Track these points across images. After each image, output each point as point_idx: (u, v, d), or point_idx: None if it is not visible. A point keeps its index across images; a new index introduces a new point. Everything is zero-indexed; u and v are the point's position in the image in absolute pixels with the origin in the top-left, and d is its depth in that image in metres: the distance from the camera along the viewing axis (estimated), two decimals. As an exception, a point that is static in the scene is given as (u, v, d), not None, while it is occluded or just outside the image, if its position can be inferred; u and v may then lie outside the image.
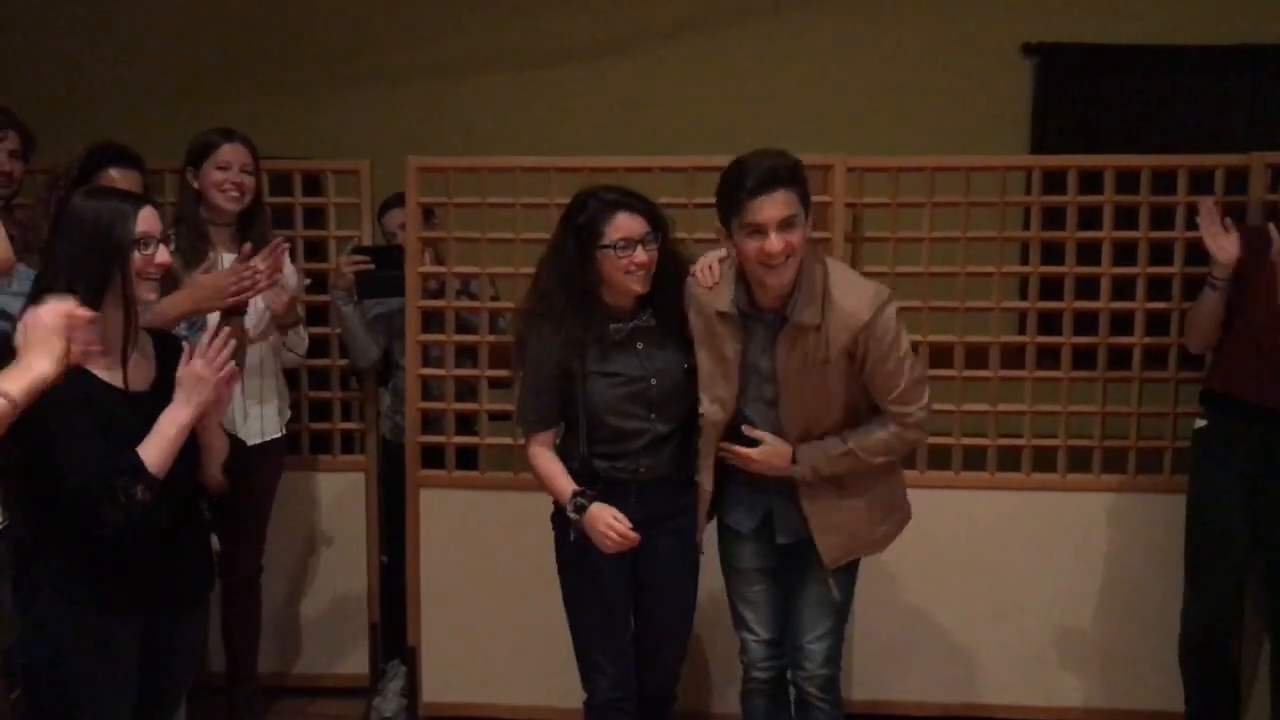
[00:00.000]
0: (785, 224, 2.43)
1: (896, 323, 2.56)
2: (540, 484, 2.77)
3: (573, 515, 2.64)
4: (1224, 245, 3.05)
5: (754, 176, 2.44)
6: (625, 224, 2.61)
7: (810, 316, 2.53)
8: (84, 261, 2.20)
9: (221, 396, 2.30)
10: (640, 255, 2.61)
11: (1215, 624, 3.24)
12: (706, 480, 2.75)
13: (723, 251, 2.65)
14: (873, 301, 2.54)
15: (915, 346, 3.45)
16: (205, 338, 2.27)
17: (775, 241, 2.43)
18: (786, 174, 2.45)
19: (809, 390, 2.60)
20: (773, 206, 2.42)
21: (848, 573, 2.80)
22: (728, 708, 3.44)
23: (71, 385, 2.15)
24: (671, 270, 2.71)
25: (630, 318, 2.70)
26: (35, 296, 2.18)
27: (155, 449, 2.20)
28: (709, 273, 2.67)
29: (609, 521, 2.58)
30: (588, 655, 2.83)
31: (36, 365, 1.87)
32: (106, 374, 2.25)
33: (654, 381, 2.70)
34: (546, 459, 2.74)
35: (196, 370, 2.24)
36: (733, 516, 2.81)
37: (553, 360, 2.67)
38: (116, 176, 2.88)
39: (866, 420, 2.65)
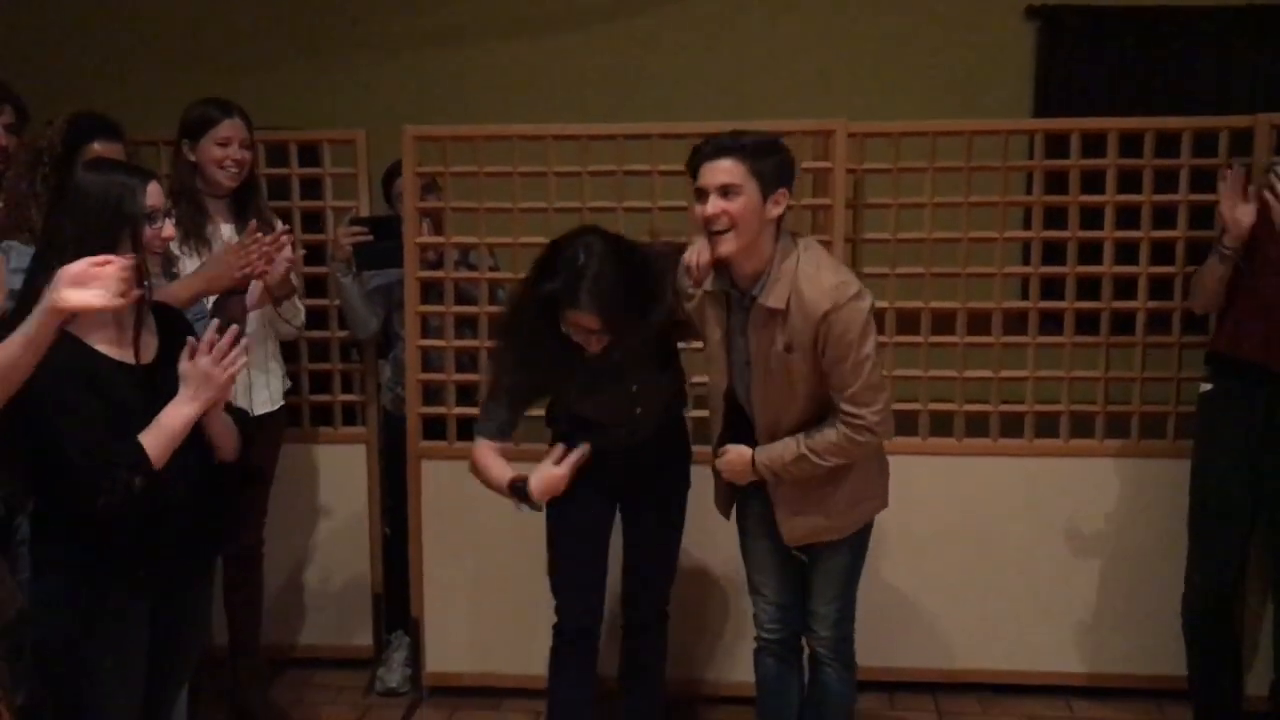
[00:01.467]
0: (724, 190, 2.47)
1: (863, 322, 2.53)
2: (477, 474, 2.82)
3: (519, 502, 2.72)
4: (1240, 216, 3.00)
5: (707, 146, 2.51)
6: (578, 319, 2.61)
7: (775, 300, 2.54)
8: (93, 236, 2.18)
9: (226, 391, 2.29)
10: (593, 342, 2.65)
11: (1219, 587, 3.22)
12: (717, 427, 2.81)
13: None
14: (833, 294, 2.51)
15: (917, 312, 3.47)
16: (209, 333, 2.25)
17: (712, 205, 2.47)
18: (736, 146, 2.48)
19: (776, 375, 2.61)
20: (714, 173, 2.48)
21: (859, 537, 2.82)
22: (741, 675, 3.45)
23: (78, 362, 2.15)
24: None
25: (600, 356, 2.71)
26: (37, 272, 2.17)
27: (158, 442, 2.19)
28: (696, 269, 2.67)
29: (549, 485, 2.66)
30: (557, 586, 2.99)
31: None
32: (112, 349, 2.23)
33: (635, 388, 2.81)
34: (488, 458, 2.79)
35: (204, 368, 2.23)
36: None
37: (526, 384, 2.78)
38: (100, 149, 2.81)
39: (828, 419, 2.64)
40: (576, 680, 3.04)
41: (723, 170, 2.47)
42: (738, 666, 3.46)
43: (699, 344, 2.87)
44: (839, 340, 2.51)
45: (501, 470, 2.75)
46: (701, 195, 2.51)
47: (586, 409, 2.83)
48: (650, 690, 3.19)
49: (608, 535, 3.02)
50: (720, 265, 2.61)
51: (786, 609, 2.90)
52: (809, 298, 2.52)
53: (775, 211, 2.53)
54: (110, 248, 2.18)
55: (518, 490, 2.70)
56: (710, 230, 2.51)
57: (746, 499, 2.86)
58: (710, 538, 3.25)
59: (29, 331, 1.93)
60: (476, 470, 2.82)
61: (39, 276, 2.13)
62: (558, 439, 2.84)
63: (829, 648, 2.87)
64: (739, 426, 2.76)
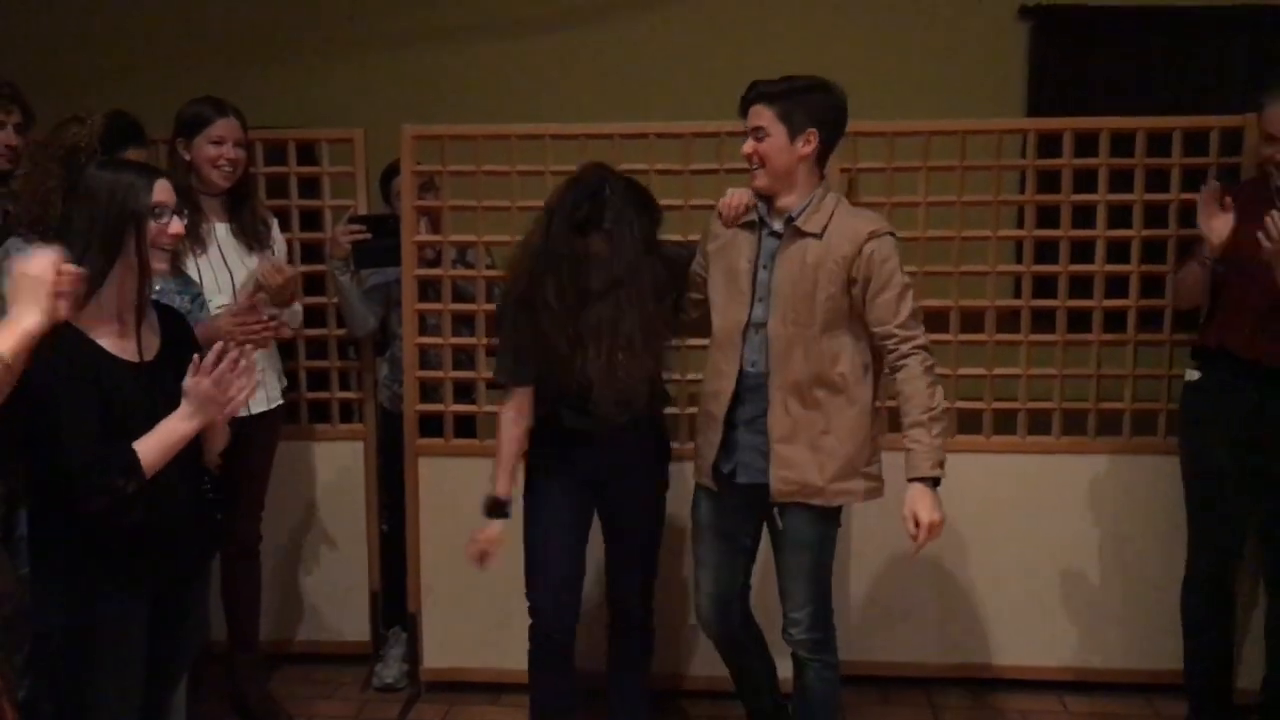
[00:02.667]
0: (755, 132, 2.75)
1: (897, 255, 2.73)
2: (496, 442, 2.97)
3: (484, 511, 2.95)
4: (1216, 227, 3.05)
5: (750, 92, 2.79)
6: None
7: (813, 225, 2.74)
8: (98, 230, 2.20)
9: (232, 407, 2.31)
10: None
11: (1219, 574, 3.27)
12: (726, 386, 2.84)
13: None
14: (874, 223, 2.75)
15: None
16: (211, 357, 2.26)
17: (746, 146, 2.77)
18: (766, 94, 2.75)
19: (798, 300, 2.73)
20: (750, 118, 2.77)
21: (827, 527, 2.86)
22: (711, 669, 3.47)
23: (81, 357, 2.16)
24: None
25: None
26: None
27: (153, 453, 2.20)
28: (730, 207, 2.87)
29: (488, 544, 2.94)
30: (531, 587, 3.03)
31: (24, 319, 1.87)
32: (114, 345, 2.25)
33: (620, 356, 2.83)
34: (513, 429, 2.93)
35: (207, 390, 2.23)
36: (705, 466, 2.90)
37: (531, 328, 2.84)
38: (135, 157, 2.84)
39: (864, 370, 2.77)
40: (555, 679, 3.08)
41: (754, 114, 2.75)
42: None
43: (696, 340, 2.98)
44: (881, 267, 2.69)
45: (505, 476, 2.94)
46: (746, 136, 2.78)
47: (575, 373, 2.83)
48: (636, 687, 3.21)
49: (584, 536, 3.04)
50: (761, 202, 2.82)
51: (725, 601, 3.01)
52: (854, 225, 2.73)
53: (805, 150, 2.73)
54: (116, 244, 2.20)
55: (490, 509, 2.94)
56: (750, 168, 2.78)
57: (698, 498, 2.97)
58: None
59: (7, 360, 1.88)
60: (499, 430, 2.95)
61: None
62: (540, 426, 2.93)
63: (809, 649, 2.91)
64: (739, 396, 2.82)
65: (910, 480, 2.69)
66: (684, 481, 3.09)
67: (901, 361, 2.71)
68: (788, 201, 2.76)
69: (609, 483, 2.99)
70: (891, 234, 2.74)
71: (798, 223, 2.74)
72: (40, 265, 1.89)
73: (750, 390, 2.79)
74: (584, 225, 2.79)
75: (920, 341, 2.72)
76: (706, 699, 3.60)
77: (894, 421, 3.55)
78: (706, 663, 3.57)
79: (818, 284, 2.71)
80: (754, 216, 2.82)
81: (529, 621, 3.06)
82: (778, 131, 2.72)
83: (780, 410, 2.75)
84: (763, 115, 2.73)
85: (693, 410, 3.31)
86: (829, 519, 2.85)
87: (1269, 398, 3.09)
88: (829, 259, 2.70)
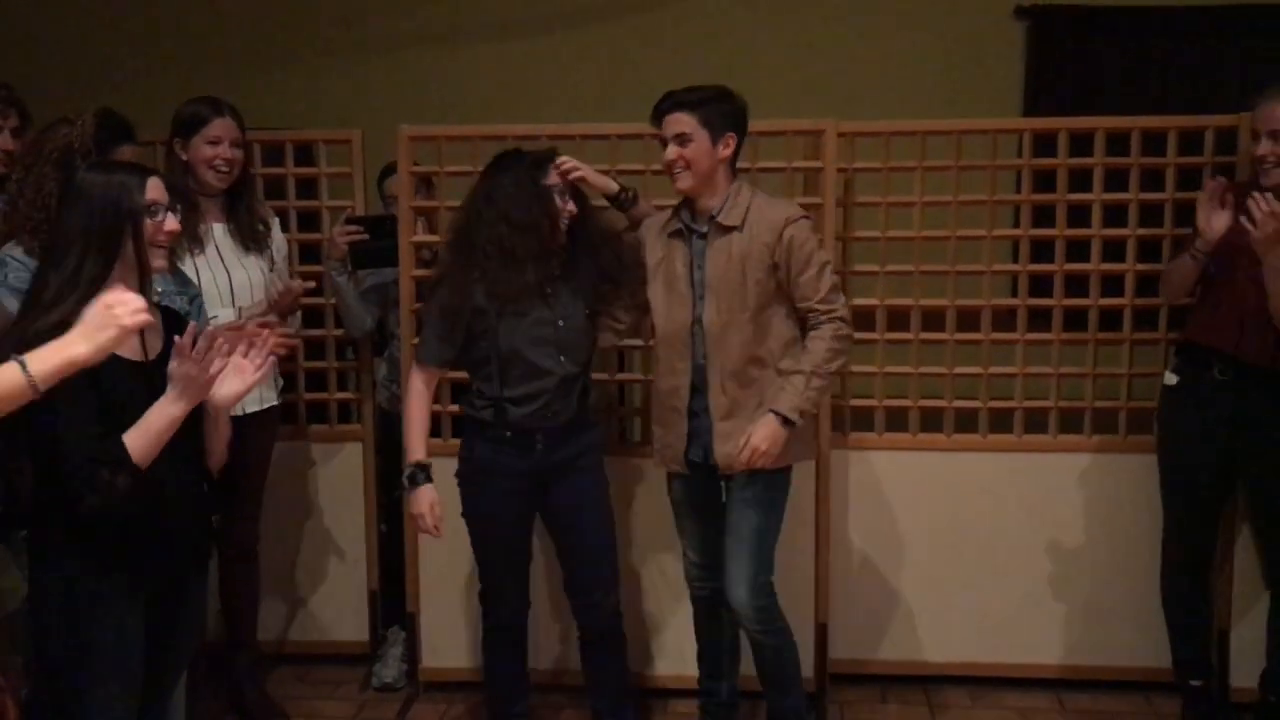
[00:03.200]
0: (678, 139, 2.89)
1: (813, 236, 2.96)
2: (405, 413, 3.04)
3: (405, 483, 3.02)
4: (1213, 223, 3.09)
5: (665, 102, 2.94)
6: (553, 175, 2.96)
7: (733, 219, 2.93)
8: (95, 231, 2.21)
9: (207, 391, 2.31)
10: (569, 204, 2.96)
11: (1195, 565, 3.34)
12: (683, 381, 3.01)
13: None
14: (786, 211, 2.94)
15: (907, 310, 3.51)
16: (187, 335, 2.27)
17: (670, 151, 2.91)
18: (687, 101, 2.90)
19: (730, 290, 2.92)
20: (670, 125, 2.91)
21: (773, 493, 3.00)
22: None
23: None
24: (584, 233, 3.01)
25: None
26: (44, 271, 2.20)
27: (142, 440, 2.19)
28: None
29: (426, 508, 3.00)
30: (489, 585, 3.13)
31: (75, 348, 1.87)
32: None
33: (561, 323, 2.96)
34: (422, 401, 3.05)
35: (188, 370, 2.24)
36: (688, 451, 3.05)
37: (469, 298, 2.91)
38: (128, 155, 2.84)
39: (789, 343, 2.95)
40: (510, 663, 3.19)
41: (675, 122, 2.90)
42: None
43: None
44: (799, 250, 2.89)
45: (418, 442, 3.03)
46: (663, 143, 2.93)
47: (515, 341, 2.92)
48: (617, 688, 3.22)
49: (528, 534, 3.10)
50: (683, 205, 3.01)
51: (707, 569, 3.16)
52: (768, 215, 2.92)
53: (725, 152, 2.92)
54: (114, 245, 2.21)
55: (413, 475, 3.00)
56: (671, 172, 2.93)
57: (672, 481, 3.15)
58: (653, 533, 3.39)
59: (37, 383, 1.88)
60: (407, 405, 3.07)
61: (49, 275, 2.16)
62: (474, 416, 3.01)
63: (752, 619, 3.02)
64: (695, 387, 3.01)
65: (768, 409, 2.88)
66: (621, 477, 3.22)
67: (816, 329, 2.91)
68: (710, 203, 2.95)
69: (549, 484, 3.04)
70: (806, 217, 2.96)
71: (719, 219, 2.93)
72: (128, 306, 1.91)
73: (703, 380, 2.99)
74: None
75: (840, 314, 2.92)
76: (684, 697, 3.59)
77: (891, 422, 3.59)
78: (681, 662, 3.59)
79: (745, 272, 2.91)
80: (679, 225, 3.00)
81: (533, 617, 3.17)
82: (701, 137, 2.89)
83: (719, 392, 2.95)
84: (684, 122, 2.89)
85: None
86: (772, 486, 2.99)
87: (1248, 397, 3.14)
88: (753, 247, 2.90)
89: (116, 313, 1.89)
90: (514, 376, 2.94)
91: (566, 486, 3.04)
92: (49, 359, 1.86)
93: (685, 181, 2.92)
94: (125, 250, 2.24)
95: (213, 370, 2.25)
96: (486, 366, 2.97)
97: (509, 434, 2.97)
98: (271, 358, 2.41)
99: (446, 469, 3.54)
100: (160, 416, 2.23)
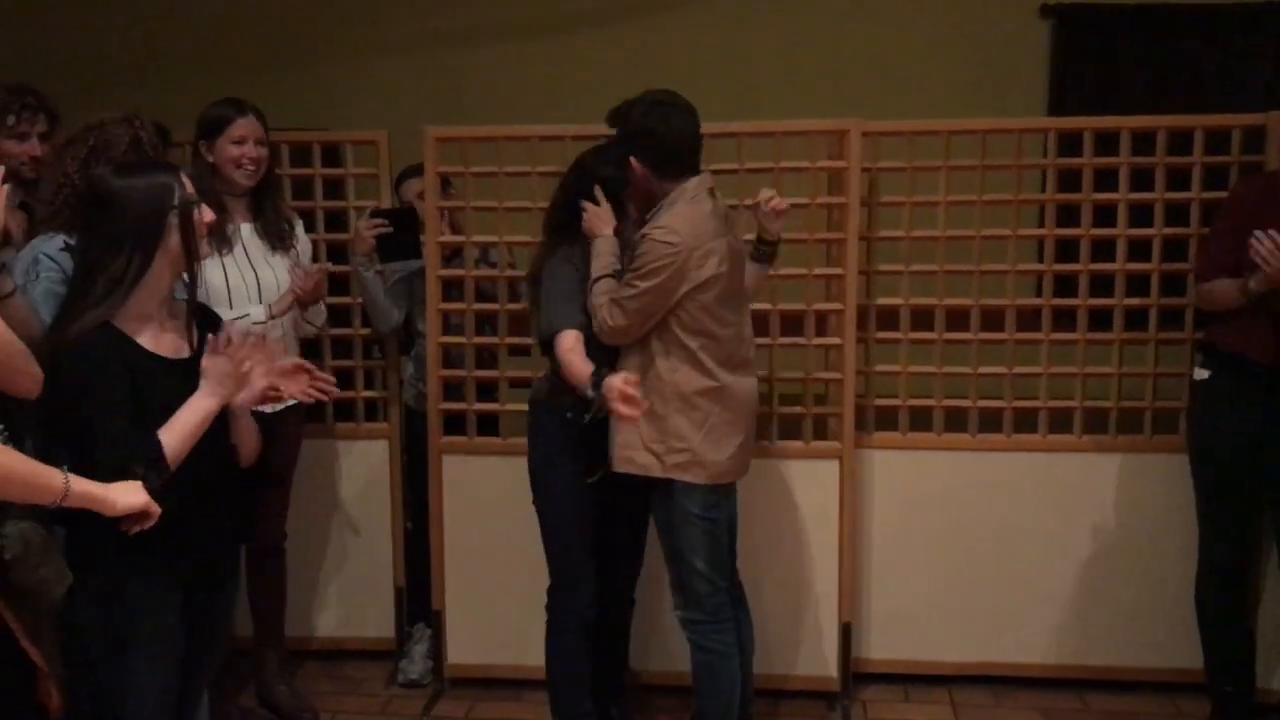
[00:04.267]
0: None
1: (657, 258, 2.78)
2: (567, 371, 2.89)
3: (591, 392, 2.78)
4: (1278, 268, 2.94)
5: None
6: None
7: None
8: (144, 231, 2.23)
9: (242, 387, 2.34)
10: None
11: (1233, 566, 3.28)
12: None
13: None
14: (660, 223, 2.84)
15: (931, 310, 3.51)
16: (225, 334, 2.29)
17: None
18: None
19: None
20: None
21: (671, 505, 2.94)
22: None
23: (113, 356, 2.20)
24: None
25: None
26: (88, 270, 2.23)
27: (177, 437, 2.22)
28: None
29: (621, 383, 2.71)
30: (564, 575, 3.12)
31: (110, 495, 2.03)
32: (150, 342, 2.28)
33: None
34: (578, 353, 2.90)
35: (222, 366, 2.27)
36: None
37: (575, 270, 2.96)
38: (176, 156, 2.89)
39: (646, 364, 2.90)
40: (580, 658, 3.18)
41: None
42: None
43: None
44: (639, 256, 2.81)
45: (584, 365, 2.87)
46: None
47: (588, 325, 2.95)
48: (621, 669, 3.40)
49: (601, 521, 3.12)
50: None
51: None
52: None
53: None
54: (155, 240, 2.24)
55: (595, 381, 2.79)
56: None
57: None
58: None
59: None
60: (569, 360, 2.89)
61: (96, 275, 2.21)
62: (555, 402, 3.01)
63: (683, 624, 3.04)
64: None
65: None
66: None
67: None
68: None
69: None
70: (662, 242, 2.81)
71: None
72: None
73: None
74: None
75: (600, 322, 2.88)
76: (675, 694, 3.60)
77: (915, 422, 3.59)
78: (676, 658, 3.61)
79: None
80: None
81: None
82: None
83: None
84: None
85: (783, 410, 3.52)
86: (670, 497, 2.98)
87: None
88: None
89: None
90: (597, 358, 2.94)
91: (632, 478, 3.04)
92: (87, 491, 2.00)
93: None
94: (168, 244, 2.26)
95: (245, 367, 2.28)
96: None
97: (586, 420, 2.94)
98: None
99: (474, 467, 3.58)
100: (192, 412, 2.26)
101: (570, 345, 2.91)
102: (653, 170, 2.87)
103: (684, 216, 2.83)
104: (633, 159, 2.87)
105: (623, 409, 2.68)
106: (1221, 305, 3.15)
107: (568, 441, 3.03)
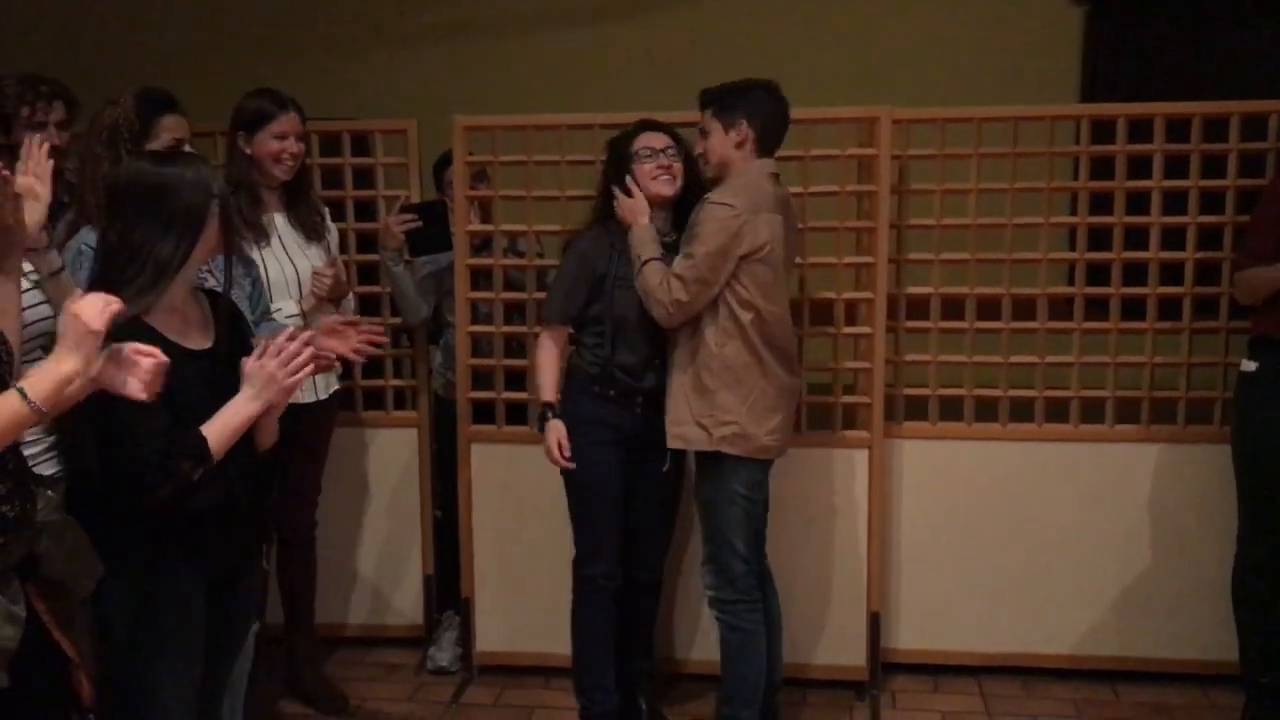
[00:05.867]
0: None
1: (718, 226, 2.91)
2: (532, 371, 3.19)
3: (539, 420, 3.17)
4: None
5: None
6: (649, 139, 3.11)
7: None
8: (190, 218, 2.25)
9: (289, 394, 2.36)
10: (664, 161, 3.08)
11: (1270, 558, 3.22)
12: None
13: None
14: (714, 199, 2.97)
15: (962, 298, 3.48)
16: (283, 337, 2.31)
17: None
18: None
19: None
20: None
21: (719, 479, 3.05)
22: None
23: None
24: (688, 195, 3.12)
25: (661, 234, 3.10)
26: (134, 255, 2.23)
27: (220, 436, 2.24)
28: None
29: (554, 441, 3.11)
30: (587, 543, 3.20)
31: (62, 365, 1.89)
32: (176, 333, 2.30)
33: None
34: (552, 355, 3.19)
35: (270, 370, 2.27)
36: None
37: (590, 261, 3.12)
38: (171, 124, 2.88)
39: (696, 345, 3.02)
40: (602, 631, 3.26)
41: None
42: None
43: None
44: (695, 224, 2.96)
45: (549, 386, 3.17)
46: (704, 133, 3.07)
47: (621, 308, 3.11)
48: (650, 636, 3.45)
49: (625, 492, 3.20)
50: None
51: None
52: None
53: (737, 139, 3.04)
54: (199, 228, 2.25)
55: (542, 414, 3.15)
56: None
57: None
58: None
59: (41, 407, 1.89)
60: (537, 360, 3.20)
61: (145, 261, 2.21)
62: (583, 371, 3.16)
63: (711, 603, 3.12)
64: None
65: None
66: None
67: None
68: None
69: (638, 448, 3.18)
70: (722, 205, 2.95)
71: None
72: (90, 311, 1.89)
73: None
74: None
75: (668, 296, 2.97)
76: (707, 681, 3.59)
77: (946, 411, 3.57)
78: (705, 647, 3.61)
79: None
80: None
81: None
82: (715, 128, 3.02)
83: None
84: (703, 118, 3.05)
85: (813, 399, 3.55)
86: (718, 467, 3.08)
87: None
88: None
89: (85, 319, 1.89)
90: (624, 343, 3.11)
91: (655, 453, 3.17)
92: (43, 382, 1.88)
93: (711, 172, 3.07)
94: (208, 234, 2.28)
95: (294, 378, 2.29)
96: (600, 333, 3.13)
97: (613, 393, 3.12)
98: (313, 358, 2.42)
99: (503, 455, 3.59)
100: (237, 413, 2.27)
101: (543, 344, 3.18)
102: (759, 142, 3.02)
103: (744, 187, 2.97)
104: (746, 121, 3.00)
105: (549, 458, 3.10)
106: (1263, 294, 3.11)
107: (597, 411, 3.13)
